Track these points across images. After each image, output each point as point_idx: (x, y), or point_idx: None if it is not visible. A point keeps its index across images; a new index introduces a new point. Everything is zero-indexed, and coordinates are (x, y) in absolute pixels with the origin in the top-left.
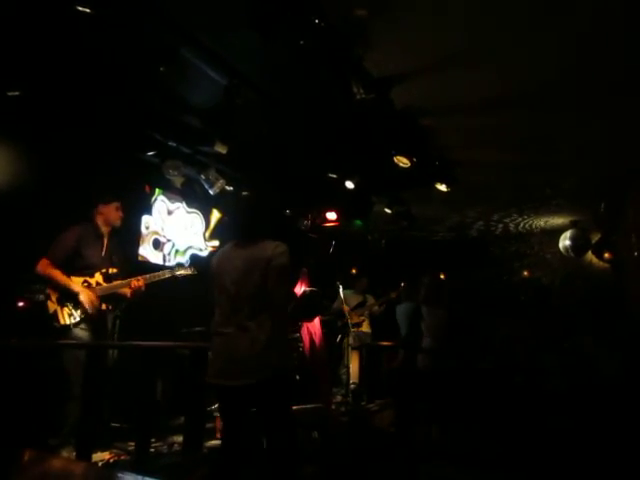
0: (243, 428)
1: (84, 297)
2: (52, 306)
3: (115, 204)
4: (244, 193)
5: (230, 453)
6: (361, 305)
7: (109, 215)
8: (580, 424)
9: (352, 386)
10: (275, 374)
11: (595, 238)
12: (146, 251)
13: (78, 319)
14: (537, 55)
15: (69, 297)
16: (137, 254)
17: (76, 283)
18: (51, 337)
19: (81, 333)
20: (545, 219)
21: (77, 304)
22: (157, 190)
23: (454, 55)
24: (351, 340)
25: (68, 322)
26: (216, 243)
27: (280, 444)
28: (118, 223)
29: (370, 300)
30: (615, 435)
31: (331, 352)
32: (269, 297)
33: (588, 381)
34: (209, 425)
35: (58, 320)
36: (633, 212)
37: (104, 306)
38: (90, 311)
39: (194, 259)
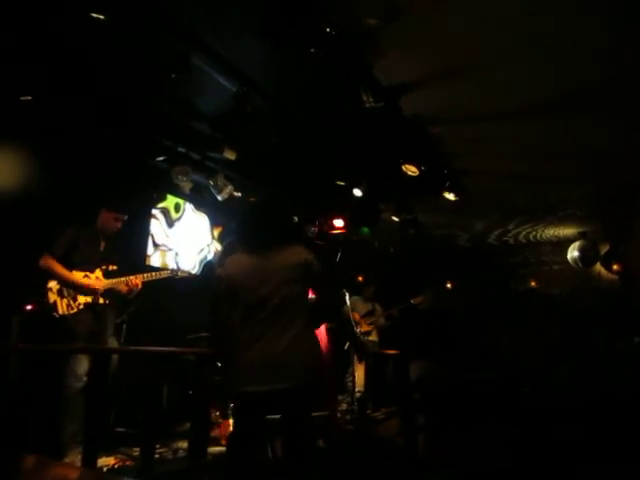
0: (260, 436)
1: (86, 284)
2: (52, 297)
3: (115, 215)
4: (252, 199)
5: (250, 461)
6: (370, 313)
7: (106, 222)
8: (587, 435)
9: (358, 394)
10: (315, 378)
11: (604, 249)
12: (154, 256)
13: (76, 310)
14: (547, 67)
15: (69, 288)
16: (145, 258)
17: (77, 276)
18: (52, 330)
19: (78, 325)
20: (554, 229)
21: (76, 296)
22: (168, 197)
23: (464, 64)
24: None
25: (66, 313)
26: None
27: (304, 448)
28: (112, 232)
29: (377, 308)
30: (622, 446)
31: (337, 360)
32: (308, 302)
33: (596, 392)
34: (214, 432)
35: (57, 310)
36: None
37: (102, 300)
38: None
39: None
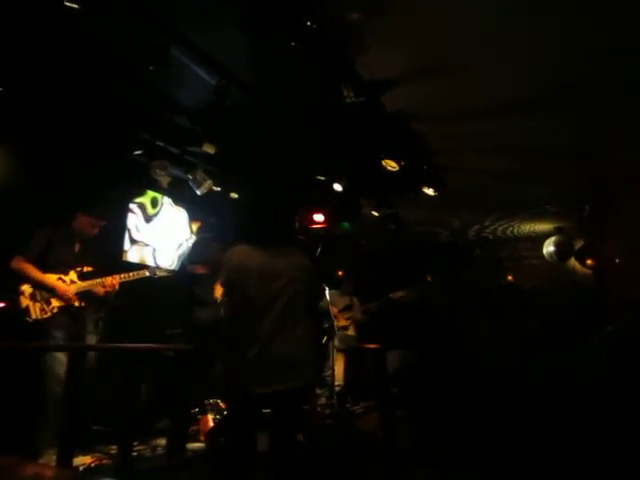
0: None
1: (59, 291)
2: (24, 301)
3: (93, 220)
4: (256, 194)
5: (247, 458)
6: (348, 308)
7: (83, 226)
8: (561, 427)
9: (337, 388)
10: (317, 376)
11: (579, 244)
12: (131, 252)
13: (49, 315)
14: (525, 66)
15: (42, 292)
16: (121, 254)
17: (50, 279)
18: (26, 334)
19: (55, 329)
20: (531, 225)
21: (50, 299)
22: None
23: (445, 61)
24: (337, 342)
25: (40, 317)
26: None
27: (293, 446)
28: (88, 236)
29: (355, 302)
30: (596, 438)
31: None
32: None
33: (569, 385)
34: (193, 428)
35: (30, 315)
36: (615, 219)
37: (78, 303)
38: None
39: (196, 252)
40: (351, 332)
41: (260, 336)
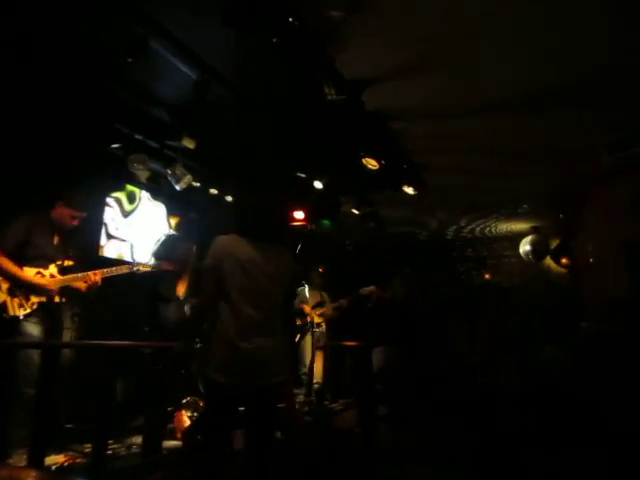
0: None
1: (39, 286)
2: (1, 296)
3: (72, 212)
4: (245, 191)
5: (221, 456)
6: (320, 304)
7: (62, 218)
8: (535, 421)
9: (316, 386)
10: (288, 375)
11: (554, 244)
12: (107, 247)
13: (29, 310)
14: (503, 67)
15: (20, 287)
16: (97, 249)
17: (29, 274)
18: (2, 332)
19: (31, 327)
20: (508, 224)
21: (28, 295)
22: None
23: (425, 61)
24: (315, 339)
25: (18, 313)
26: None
27: (269, 444)
28: (67, 228)
29: (326, 298)
30: (567, 430)
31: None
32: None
33: (543, 381)
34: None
35: (7, 311)
36: (590, 220)
37: (57, 299)
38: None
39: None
40: (323, 329)
41: (233, 330)
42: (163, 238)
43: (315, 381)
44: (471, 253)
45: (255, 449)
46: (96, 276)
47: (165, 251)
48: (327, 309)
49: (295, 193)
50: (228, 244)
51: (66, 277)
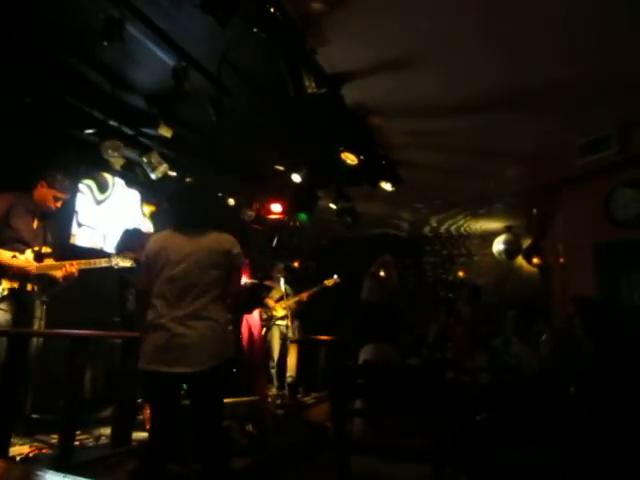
0: (174, 419)
1: (16, 268)
2: None
3: (56, 192)
4: (188, 179)
5: (160, 446)
6: (283, 298)
7: (44, 199)
8: (503, 419)
9: (289, 379)
10: (223, 363)
11: (526, 243)
12: (79, 235)
13: None
14: (483, 67)
15: None
16: (69, 237)
17: (4, 256)
18: None
19: (0, 313)
20: (481, 223)
21: (0, 280)
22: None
23: (405, 57)
24: (276, 334)
25: None
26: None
27: (215, 435)
28: (48, 211)
29: (289, 292)
30: (534, 428)
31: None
32: (225, 289)
33: (512, 378)
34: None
35: None
36: (560, 220)
37: (30, 287)
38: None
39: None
40: (289, 322)
41: (157, 319)
42: (127, 230)
43: (288, 374)
44: (447, 250)
45: (200, 440)
46: (72, 267)
47: (129, 241)
48: (291, 302)
49: (273, 186)
50: (157, 241)
51: (44, 264)
